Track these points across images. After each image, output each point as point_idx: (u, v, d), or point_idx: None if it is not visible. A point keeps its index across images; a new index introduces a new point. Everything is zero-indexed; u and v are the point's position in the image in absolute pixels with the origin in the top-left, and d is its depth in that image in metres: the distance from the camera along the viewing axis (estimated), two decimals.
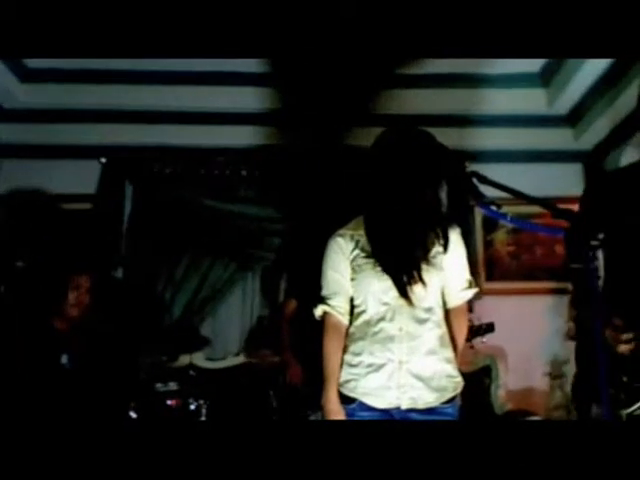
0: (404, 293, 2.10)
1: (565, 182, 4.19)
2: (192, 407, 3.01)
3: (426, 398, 2.10)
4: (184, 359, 4.25)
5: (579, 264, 1.54)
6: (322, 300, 2.24)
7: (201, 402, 3.03)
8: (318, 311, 2.25)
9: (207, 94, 4.36)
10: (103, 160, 4.39)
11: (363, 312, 2.17)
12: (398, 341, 2.10)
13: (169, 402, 3.00)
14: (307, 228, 4.07)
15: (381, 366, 2.10)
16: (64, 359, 3.33)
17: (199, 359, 4.30)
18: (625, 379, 2.27)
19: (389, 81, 4.29)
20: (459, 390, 2.19)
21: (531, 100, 4.31)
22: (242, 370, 3.96)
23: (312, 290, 3.66)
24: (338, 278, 2.21)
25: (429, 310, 2.14)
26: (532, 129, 4.37)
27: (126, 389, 3.07)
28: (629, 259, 2.35)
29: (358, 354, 2.15)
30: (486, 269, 4.43)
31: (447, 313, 2.25)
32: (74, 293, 3.45)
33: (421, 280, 2.11)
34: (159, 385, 3.06)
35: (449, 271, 2.20)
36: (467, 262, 2.28)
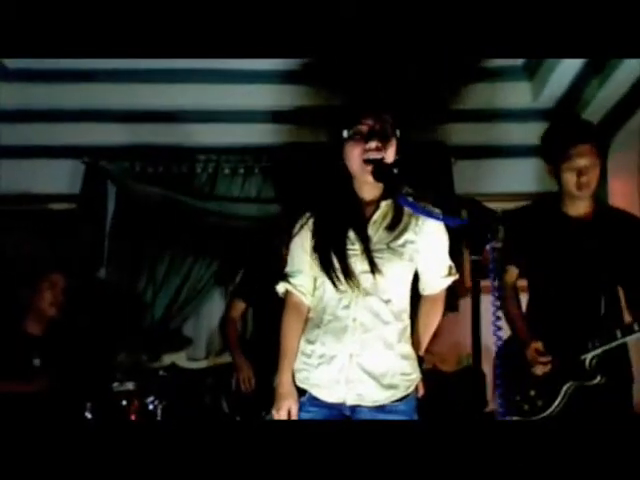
0: (350, 283, 2.01)
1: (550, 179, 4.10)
2: (150, 407, 2.97)
3: (375, 396, 2.01)
4: (166, 359, 4.26)
5: (478, 256, 1.48)
6: (285, 277, 2.17)
7: (156, 403, 2.98)
8: (280, 288, 2.18)
9: (188, 92, 4.33)
10: (86, 160, 4.40)
11: (321, 297, 2.09)
12: (351, 332, 2.01)
13: (124, 402, 2.95)
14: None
15: (332, 358, 2.02)
16: (36, 362, 3.32)
17: (181, 359, 4.28)
18: (532, 393, 2.68)
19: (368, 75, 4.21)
20: (412, 389, 2.08)
21: (516, 94, 4.22)
22: (221, 370, 3.91)
23: (261, 291, 3.65)
24: (304, 256, 2.12)
25: (388, 302, 2.03)
26: (518, 124, 4.26)
27: (85, 389, 3.04)
28: (549, 289, 2.75)
29: (312, 342, 2.07)
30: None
31: (423, 300, 2.17)
32: (51, 292, 3.45)
33: (380, 271, 2.00)
34: (116, 385, 3.02)
35: (426, 258, 2.09)
36: (448, 249, 2.14)
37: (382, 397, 2.01)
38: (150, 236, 4.36)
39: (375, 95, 2.08)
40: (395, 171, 1.81)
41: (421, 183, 1.74)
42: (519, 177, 4.25)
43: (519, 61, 4.11)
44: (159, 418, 3.01)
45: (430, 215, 1.70)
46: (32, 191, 4.40)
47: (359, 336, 2.00)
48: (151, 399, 3.02)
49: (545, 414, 2.61)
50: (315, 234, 2.08)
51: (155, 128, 4.41)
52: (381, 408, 2.02)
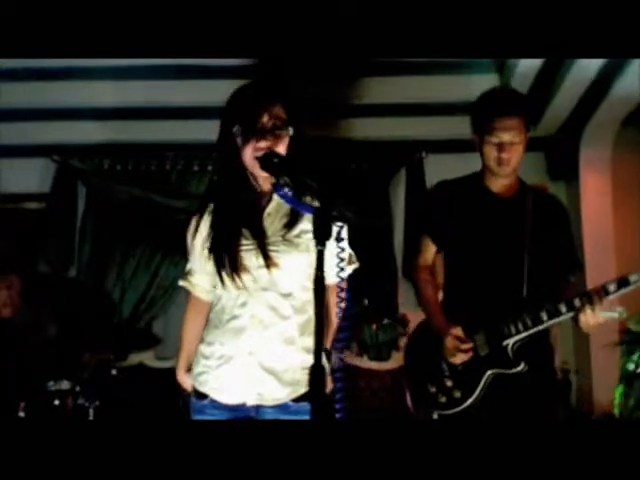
0: (245, 279, 1.92)
1: (525, 172, 4.01)
2: (80, 406, 2.94)
3: (276, 394, 1.91)
4: (134, 358, 4.24)
5: (322, 246, 1.41)
6: (185, 274, 2.13)
7: (88, 403, 2.94)
8: (180, 283, 2.15)
9: (156, 88, 4.30)
10: (56, 158, 4.40)
11: (220, 297, 2.01)
12: (249, 330, 1.91)
13: (57, 402, 2.91)
14: None
15: (231, 358, 1.93)
16: None
17: (149, 358, 4.26)
18: (449, 384, 2.44)
19: (336, 70, 4.15)
20: None
21: (485, 86, 4.09)
22: None
23: None
24: (200, 252, 2.03)
25: (288, 296, 1.94)
26: None
27: (19, 387, 3.01)
28: (466, 268, 2.53)
29: (211, 344, 1.98)
30: None
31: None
32: (6, 293, 3.46)
33: (276, 264, 1.91)
34: (51, 384, 2.99)
35: (329, 248, 2.01)
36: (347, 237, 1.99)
37: (284, 394, 1.92)
38: (119, 234, 4.35)
39: (268, 88, 1.99)
40: (275, 160, 1.74)
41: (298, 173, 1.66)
42: None
43: None
44: (91, 418, 2.96)
45: (300, 206, 1.62)
46: (3, 190, 4.42)
47: (258, 333, 1.92)
48: (84, 399, 2.97)
49: (464, 406, 2.38)
50: (210, 230, 2.01)
51: (124, 125, 4.41)
52: (285, 408, 1.93)
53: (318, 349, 1.33)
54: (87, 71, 4.17)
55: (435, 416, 2.52)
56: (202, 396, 1.98)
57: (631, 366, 3.18)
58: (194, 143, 4.36)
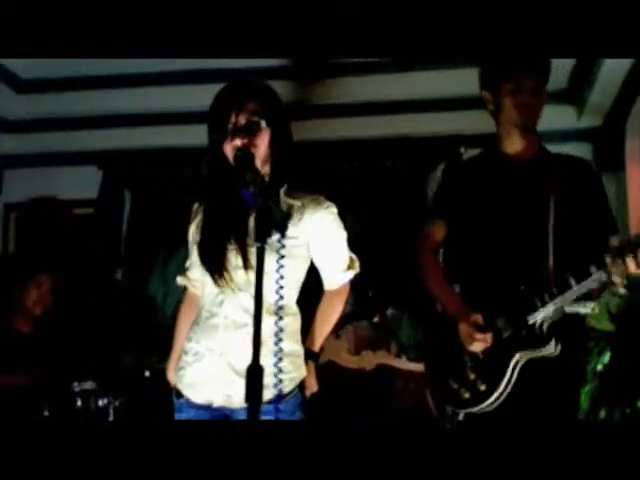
0: (223, 278, 1.93)
1: None
2: (100, 407, 2.98)
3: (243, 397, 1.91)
4: None
5: (262, 243, 1.38)
6: (184, 270, 2.19)
7: (109, 402, 2.98)
8: (179, 281, 2.21)
9: (197, 93, 4.30)
10: (101, 165, 4.51)
11: (202, 294, 2.04)
12: (222, 330, 1.93)
13: (79, 402, 2.97)
14: None
15: (203, 356, 1.95)
16: (21, 358, 3.43)
17: None
18: (472, 377, 2.17)
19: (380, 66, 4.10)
20: (290, 388, 1.93)
21: None
22: None
23: None
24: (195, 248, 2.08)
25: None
26: None
27: (46, 387, 3.10)
28: (485, 246, 2.31)
29: (190, 340, 2.02)
30: None
31: (324, 295, 2.12)
32: (37, 292, 3.58)
33: (253, 266, 1.83)
34: (75, 384, 3.04)
35: (319, 252, 2.02)
36: (344, 241, 2.06)
37: None
38: (162, 237, 4.42)
39: (239, 87, 1.97)
40: (243, 157, 1.73)
41: None
42: None
43: None
44: (111, 418, 3.01)
45: (254, 203, 1.59)
46: (57, 197, 4.57)
47: (230, 334, 1.92)
48: (105, 399, 3.02)
49: (491, 400, 2.09)
50: (200, 228, 2.03)
51: (168, 131, 4.49)
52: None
53: (256, 350, 1.30)
54: (131, 77, 4.26)
55: (461, 417, 2.24)
56: (179, 394, 2.01)
57: (590, 365, 2.95)
58: None
